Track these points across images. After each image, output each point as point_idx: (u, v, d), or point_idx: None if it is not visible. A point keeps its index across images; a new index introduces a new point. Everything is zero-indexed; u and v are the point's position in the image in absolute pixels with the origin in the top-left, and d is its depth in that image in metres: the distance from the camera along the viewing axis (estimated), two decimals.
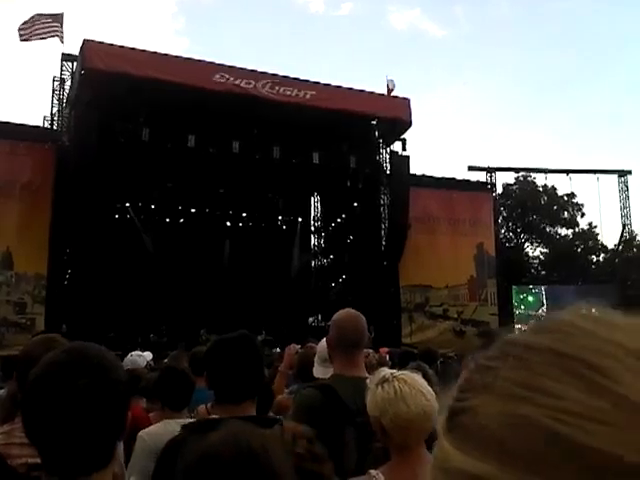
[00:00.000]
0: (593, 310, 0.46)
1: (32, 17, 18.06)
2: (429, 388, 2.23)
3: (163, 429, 3.36)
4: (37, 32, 17.99)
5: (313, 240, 26.67)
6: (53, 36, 18.16)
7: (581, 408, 0.38)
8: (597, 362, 0.39)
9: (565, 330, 0.42)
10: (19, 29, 17.92)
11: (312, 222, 26.40)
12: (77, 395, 1.26)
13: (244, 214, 24.73)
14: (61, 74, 19.24)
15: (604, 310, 0.46)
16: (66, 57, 18.98)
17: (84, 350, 1.37)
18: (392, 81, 21.11)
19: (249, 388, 2.27)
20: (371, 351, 6.23)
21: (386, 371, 2.31)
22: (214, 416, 2.32)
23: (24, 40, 18.02)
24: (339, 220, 24.32)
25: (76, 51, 18.22)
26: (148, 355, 6.57)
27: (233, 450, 1.19)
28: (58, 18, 18.25)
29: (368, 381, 2.34)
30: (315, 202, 26.27)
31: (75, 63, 18.56)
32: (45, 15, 18.19)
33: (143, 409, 4.42)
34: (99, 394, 1.28)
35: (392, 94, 21.01)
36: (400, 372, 2.28)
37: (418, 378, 2.26)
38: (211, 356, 2.41)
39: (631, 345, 0.40)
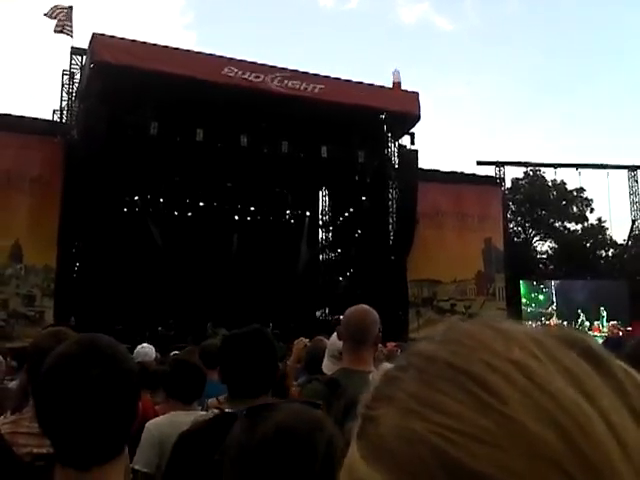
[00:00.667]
0: (503, 321, 0.44)
1: (52, 8, 18.19)
2: None
3: (170, 421, 3.38)
4: (63, 24, 18.16)
5: (321, 234, 26.66)
6: (65, 32, 18.27)
7: (468, 427, 0.37)
8: (486, 378, 0.38)
9: (464, 342, 0.42)
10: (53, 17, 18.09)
11: (320, 216, 26.38)
12: (90, 385, 1.27)
13: (252, 208, 24.74)
14: (70, 68, 19.31)
15: (512, 322, 0.44)
16: (75, 51, 19.04)
17: (96, 341, 1.38)
18: (397, 72, 21.07)
19: (263, 382, 2.27)
20: (380, 346, 6.22)
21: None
22: (228, 410, 2.32)
23: (59, 32, 18.21)
24: (347, 214, 24.30)
25: (85, 45, 18.30)
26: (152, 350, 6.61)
27: (306, 424, 1.25)
28: (67, 12, 18.31)
29: (371, 376, 2.35)
30: (323, 196, 26.25)
31: (84, 57, 18.62)
32: (60, 7, 18.29)
33: (150, 401, 4.44)
34: (112, 384, 1.29)
35: (399, 87, 20.95)
36: None
37: None
38: (225, 350, 2.42)
39: (522, 360, 0.39)
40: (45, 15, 18.18)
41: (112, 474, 1.32)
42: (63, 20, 18.10)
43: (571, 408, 0.37)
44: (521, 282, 24.28)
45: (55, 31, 18.21)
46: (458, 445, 0.36)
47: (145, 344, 6.59)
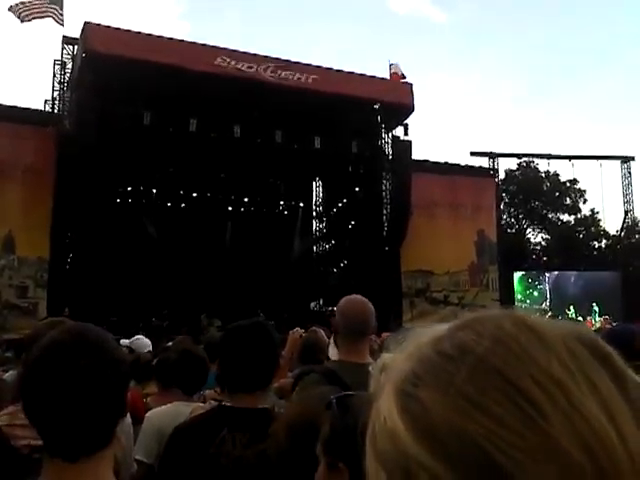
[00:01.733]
0: (533, 317, 0.50)
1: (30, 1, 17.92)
2: None
3: (171, 411, 3.37)
4: (35, 12, 17.85)
5: (315, 225, 26.66)
6: (49, 16, 17.98)
7: (513, 437, 0.42)
8: (533, 394, 0.43)
9: (511, 346, 0.46)
10: (17, 9, 17.74)
11: (314, 207, 26.37)
12: (78, 375, 1.26)
13: (246, 199, 24.71)
14: (62, 57, 19.14)
15: (543, 318, 0.50)
16: (67, 40, 18.88)
17: (84, 330, 1.37)
18: (396, 65, 21.02)
19: (261, 378, 2.24)
20: (373, 336, 6.22)
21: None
22: (226, 403, 2.31)
23: (24, 21, 17.87)
24: (340, 205, 24.29)
25: (77, 34, 18.14)
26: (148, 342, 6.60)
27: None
28: (58, 1, 18.11)
29: (371, 367, 2.34)
30: (317, 187, 26.23)
31: (76, 46, 18.47)
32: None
33: (139, 392, 4.42)
34: (100, 374, 1.28)
35: (400, 78, 20.93)
36: None
37: None
38: (224, 344, 2.40)
39: (562, 379, 0.44)
40: (22, 3, 17.85)
41: (101, 464, 1.31)
42: (44, 7, 17.81)
43: (600, 431, 0.42)
44: (515, 279, 24.33)
45: (21, 20, 17.84)
46: (504, 452, 0.41)
47: (139, 335, 6.57)
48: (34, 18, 17.87)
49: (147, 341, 6.29)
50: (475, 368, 0.45)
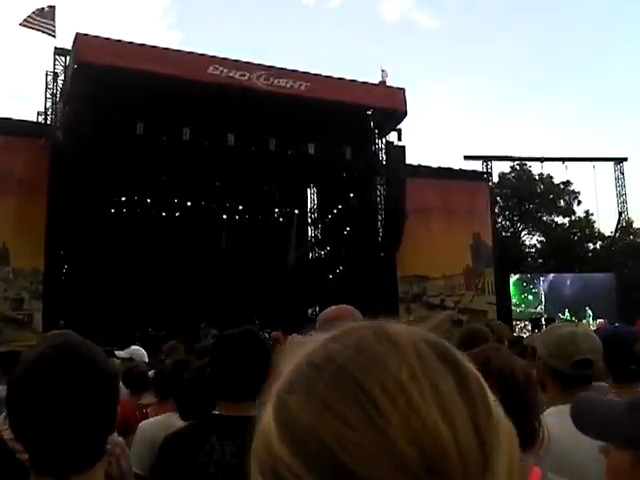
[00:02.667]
0: (395, 326, 0.56)
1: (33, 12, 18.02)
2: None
3: (164, 423, 3.35)
4: (32, 23, 17.91)
5: (310, 232, 26.64)
6: (45, 32, 18.04)
7: (359, 438, 0.48)
8: (377, 399, 0.49)
9: (367, 355, 0.52)
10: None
11: (309, 214, 26.37)
12: (66, 390, 1.23)
13: (240, 207, 24.69)
14: (54, 68, 19.10)
15: (402, 327, 0.56)
16: (59, 51, 18.85)
17: (71, 344, 1.34)
18: (385, 72, 21.09)
19: (251, 386, 2.22)
20: None
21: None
22: (215, 411, 2.30)
23: (23, 25, 17.95)
24: (335, 211, 24.29)
25: (69, 45, 18.14)
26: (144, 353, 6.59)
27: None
28: (50, 12, 18.13)
29: None
30: (311, 194, 26.23)
31: (68, 57, 18.44)
32: (40, 9, 18.08)
33: (131, 403, 4.41)
34: (89, 388, 1.26)
35: (386, 84, 20.96)
36: None
37: None
38: (215, 352, 2.39)
39: (407, 385, 0.50)
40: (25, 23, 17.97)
41: None
42: (41, 19, 17.87)
43: (433, 430, 0.48)
44: (511, 284, 24.31)
45: (26, 25, 17.91)
46: (348, 451, 0.47)
47: (135, 346, 6.55)
48: (36, 29, 17.94)
49: (143, 351, 6.28)
50: (335, 376, 0.51)
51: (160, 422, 3.41)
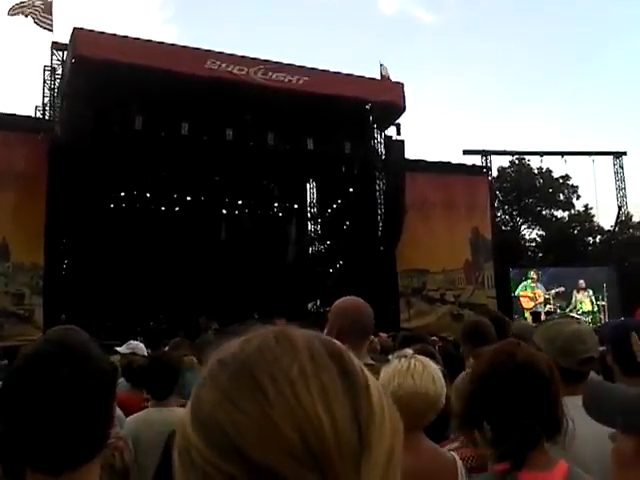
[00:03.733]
0: (296, 331, 0.63)
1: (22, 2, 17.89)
2: (442, 380, 2.27)
3: (143, 418, 3.38)
4: (28, 12, 17.82)
5: (310, 226, 26.64)
6: (42, 26, 17.98)
7: (250, 423, 0.54)
8: (268, 389, 0.56)
9: (265, 355, 0.59)
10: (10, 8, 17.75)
11: (308, 208, 26.35)
12: (61, 386, 1.22)
13: (240, 201, 24.67)
14: (52, 63, 19.09)
15: (298, 333, 0.63)
16: (56, 46, 18.82)
17: (66, 340, 1.32)
18: (383, 66, 21.06)
19: None
20: (373, 337, 6.25)
21: (408, 351, 2.38)
22: None
23: (13, 14, 17.80)
24: (335, 206, 24.28)
25: (66, 40, 18.08)
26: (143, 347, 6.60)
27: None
28: (47, 7, 18.07)
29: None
30: (311, 188, 26.22)
31: (66, 52, 18.40)
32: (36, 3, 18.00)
33: (137, 398, 4.42)
34: (84, 383, 1.24)
35: (388, 78, 20.94)
36: (421, 356, 2.35)
37: (434, 366, 2.31)
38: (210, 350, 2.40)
39: (295, 378, 0.57)
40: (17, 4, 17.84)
41: (86, 478, 1.27)
42: (37, 15, 17.79)
43: (314, 419, 0.54)
44: (511, 273, 24.23)
45: (9, 14, 17.81)
46: (240, 434, 0.54)
47: (133, 341, 6.55)
48: (32, 18, 17.84)
49: (142, 346, 6.28)
50: (236, 370, 0.59)
51: (141, 417, 3.48)
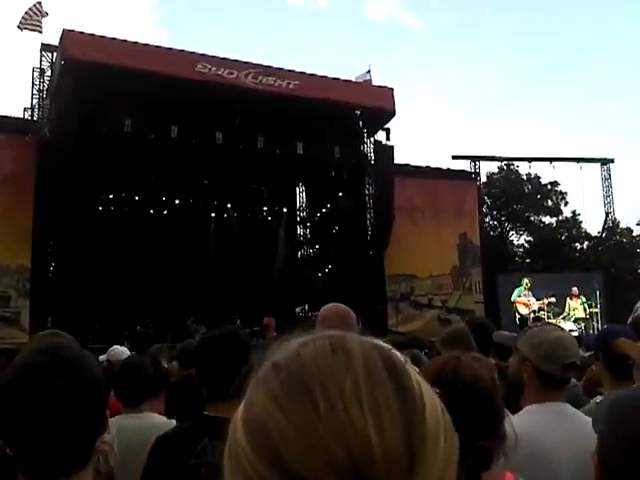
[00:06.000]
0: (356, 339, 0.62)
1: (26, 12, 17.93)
2: (427, 387, 2.25)
3: (115, 424, 3.38)
4: (28, 23, 17.82)
5: (299, 230, 26.64)
6: (32, 28, 17.94)
7: (299, 434, 0.53)
8: (319, 403, 0.54)
9: (319, 361, 0.58)
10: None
11: (297, 212, 26.36)
12: (54, 395, 1.23)
13: (229, 205, 24.62)
14: (41, 65, 18.99)
15: (358, 342, 0.62)
16: (45, 47, 18.73)
17: (59, 349, 1.34)
18: (369, 72, 21.19)
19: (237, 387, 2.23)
20: None
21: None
22: (207, 412, 2.31)
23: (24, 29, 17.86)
24: (324, 210, 24.31)
25: (56, 41, 18.01)
26: (126, 350, 6.59)
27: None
28: (37, 8, 18.01)
29: None
30: (300, 192, 26.22)
31: (55, 53, 18.34)
32: (31, 8, 17.97)
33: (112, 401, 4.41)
34: (76, 393, 1.26)
35: (372, 84, 21.05)
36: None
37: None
38: (198, 354, 2.41)
39: (348, 393, 0.55)
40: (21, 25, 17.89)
41: None
42: (31, 18, 17.76)
43: (363, 436, 0.52)
44: (498, 277, 24.27)
45: (20, 27, 17.84)
46: (285, 442, 0.53)
47: (116, 345, 6.55)
48: (31, 29, 17.87)
49: (123, 349, 6.27)
50: (288, 377, 0.57)
51: (112, 424, 3.48)
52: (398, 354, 0.62)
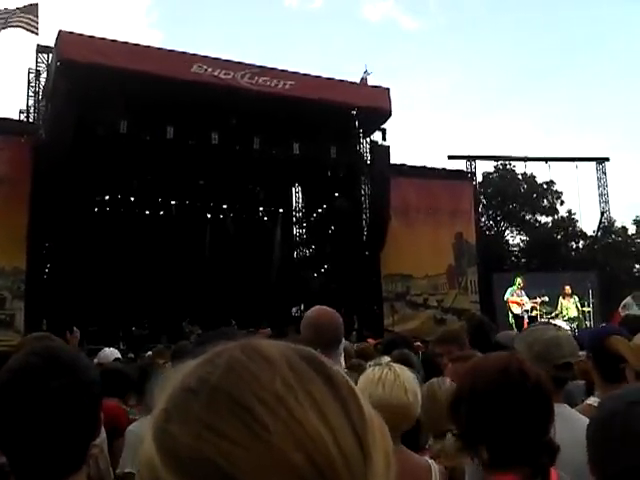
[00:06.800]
0: (263, 343, 0.58)
1: (5, 9, 17.75)
2: (416, 389, 2.25)
3: (142, 425, 3.40)
4: (12, 21, 17.68)
5: (295, 231, 26.63)
6: (20, 26, 17.83)
7: (244, 452, 0.48)
8: (256, 410, 0.50)
9: (241, 373, 0.53)
10: None
11: (293, 213, 26.34)
12: (49, 398, 1.23)
13: (225, 205, 24.60)
14: (36, 66, 18.95)
15: (269, 343, 0.58)
16: (41, 49, 18.69)
17: (55, 352, 1.34)
18: (366, 72, 21.19)
19: None
20: (346, 342, 6.27)
21: (385, 359, 2.37)
22: None
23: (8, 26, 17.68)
24: (320, 210, 24.29)
25: (51, 42, 17.95)
26: (115, 351, 6.61)
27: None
28: (32, 9, 17.94)
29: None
30: (296, 193, 26.21)
31: (50, 55, 18.29)
32: (20, 8, 17.87)
33: (120, 407, 4.40)
34: (71, 396, 1.26)
35: (368, 84, 21.04)
36: (397, 365, 2.32)
37: (408, 375, 2.28)
38: (193, 355, 2.41)
39: (283, 395, 0.51)
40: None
41: None
42: (22, 19, 17.66)
43: (315, 436, 0.50)
44: (494, 283, 24.23)
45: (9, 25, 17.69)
46: (237, 466, 0.48)
47: (107, 348, 6.56)
48: (3, 28, 17.67)
49: (112, 350, 6.28)
50: (210, 396, 0.52)
51: (139, 424, 3.49)
52: (307, 348, 0.59)
